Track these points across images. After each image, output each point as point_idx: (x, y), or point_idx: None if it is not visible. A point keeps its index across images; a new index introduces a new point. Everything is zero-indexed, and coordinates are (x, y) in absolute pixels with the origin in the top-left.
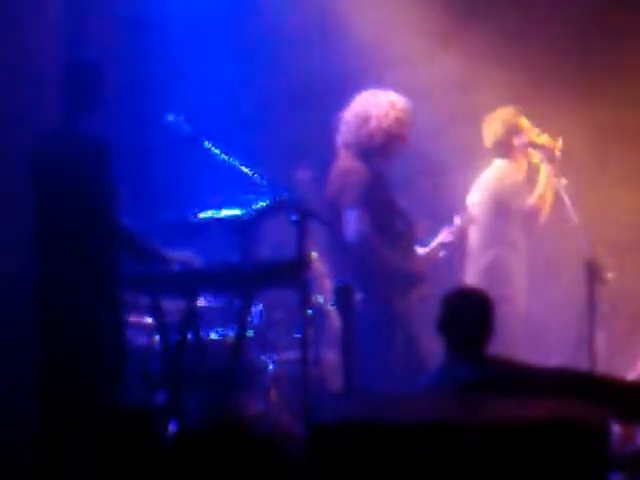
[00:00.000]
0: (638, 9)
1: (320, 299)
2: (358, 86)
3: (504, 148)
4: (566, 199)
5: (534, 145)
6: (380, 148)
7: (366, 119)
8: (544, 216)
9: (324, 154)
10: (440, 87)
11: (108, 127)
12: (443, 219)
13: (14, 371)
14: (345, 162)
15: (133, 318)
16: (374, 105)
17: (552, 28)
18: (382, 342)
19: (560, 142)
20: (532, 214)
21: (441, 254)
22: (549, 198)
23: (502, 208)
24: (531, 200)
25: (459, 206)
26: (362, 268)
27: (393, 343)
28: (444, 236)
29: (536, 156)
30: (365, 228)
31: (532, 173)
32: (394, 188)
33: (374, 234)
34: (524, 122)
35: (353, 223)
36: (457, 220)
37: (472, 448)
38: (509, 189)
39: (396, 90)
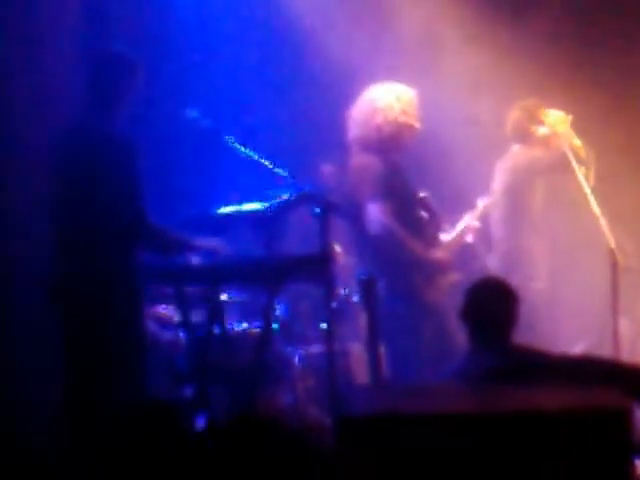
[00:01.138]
0: None
1: (345, 292)
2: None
3: (523, 135)
4: (587, 188)
5: (557, 136)
6: (390, 140)
7: (373, 113)
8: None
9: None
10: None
11: (132, 123)
12: (465, 205)
13: (38, 369)
14: (359, 157)
15: (159, 311)
16: (379, 99)
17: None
18: (411, 332)
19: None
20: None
21: (467, 239)
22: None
23: (521, 192)
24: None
25: (481, 191)
26: (388, 260)
27: (422, 333)
28: (468, 220)
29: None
30: (387, 220)
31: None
32: (412, 178)
33: (397, 225)
34: (546, 113)
35: (375, 216)
36: (480, 203)
37: (496, 437)
38: (525, 169)
39: (412, 81)
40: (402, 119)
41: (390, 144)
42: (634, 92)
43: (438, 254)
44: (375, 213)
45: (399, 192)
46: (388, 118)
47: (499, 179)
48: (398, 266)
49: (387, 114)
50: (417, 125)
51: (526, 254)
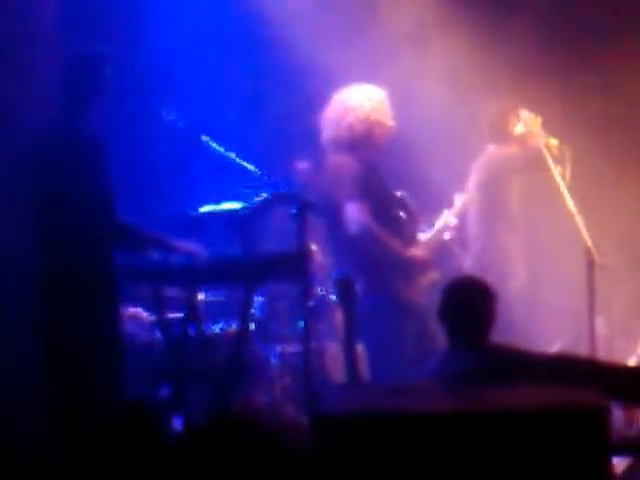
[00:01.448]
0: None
1: (321, 291)
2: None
3: (499, 133)
4: (563, 186)
5: (532, 135)
6: (363, 139)
7: (344, 113)
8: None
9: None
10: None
11: (107, 124)
12: (442, 204)
13: (14, 368)
14: (335, 157)
15: (135, 312)
16: (350, 99)
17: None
18: (392, 332)
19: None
20: (536, 157)
21: (445, 237)
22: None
23: (497, 189)
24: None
25: (458, 189)
26: (366, 259)
27: (403, 332)
28: (446, 218)
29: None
30: (366, 219)
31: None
32: (389, 177)
33: (376, 225)
34: (524, 113)
35: (353, 216)
36: (458, 201)
37: (474, 436)
38: (501, 167)
39: (386, 83)
40: (374, 117)
41: (363, 143)
42: (609, 92)
43: (417, 253)
44: (353, 213)
45: (376, 191)
46: (359, 117)
47: (474, 177)
48: (377, 265)
49: (358, 113)
50: (390, 123)
51: (502, 252)
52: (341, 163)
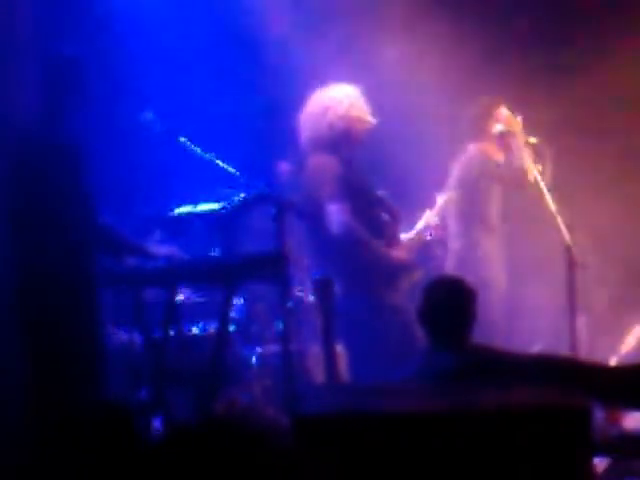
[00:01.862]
0: None
1: (300, 291)
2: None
3: (478, 131)
4: (543, 186)
5: (512, 134)
6: (343, 136)
7: (323, 112)
8: (529, 180)
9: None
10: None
11: (84, 125)
12: (424, 203)
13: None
14: (315, 157)
15: (115, 315)
16: (327, 98)
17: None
18: (372, 332)
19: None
20: (516, 178)
21: (427, 237)
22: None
23: (477, 189)
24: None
25: (439, 188)
26: (348, 260)
27: (384, 333)
28: (429, 218)
29: (515, 141)
30: (348, 220)
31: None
32: (369, 177)
33: (358, 225)
34: (504, 111)
35: (336, 216)
36: (440, 200)
37: (455, 437)
38: (479, 169)
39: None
40: (353, 113)
41: (343, 140)
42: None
43: (399, 254)
44: (335, 213)
45: (357, 191)
46: (338, 113)
47: (454, 175)
48: (358, 266)
49: (337, 110)
50: (369, 118)
51: (481, 251)
52: (322, 163)
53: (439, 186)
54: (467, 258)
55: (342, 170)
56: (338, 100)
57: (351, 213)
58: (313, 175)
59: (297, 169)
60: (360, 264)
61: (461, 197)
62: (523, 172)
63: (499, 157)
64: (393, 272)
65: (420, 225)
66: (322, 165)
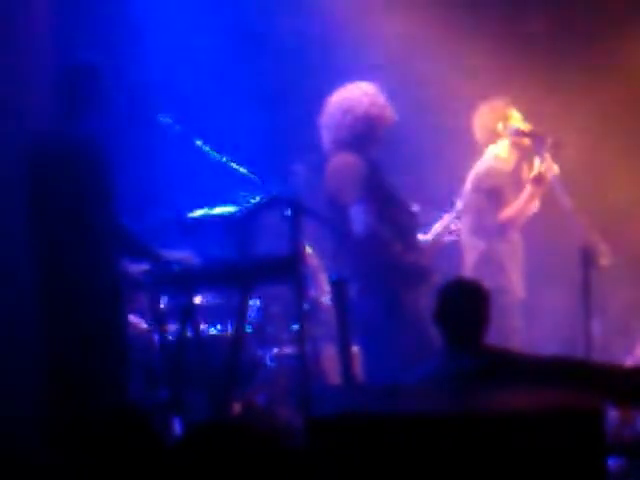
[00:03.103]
0: None
1: (316, 293)
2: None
3: (490, 134)
4: (559, 186)
5: (524, 134)
6: (365, 135)
7: (344, 112)
8: (545, 186)
9: (321, 148)
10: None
11: (102, 129)
12: (441, 205)
13: (16, 371)
14: (339, 157)
15: (133, 316)
16: (347, 98)
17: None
18: (389, 334)
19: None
20: (536, 182)
21: (446, 240)
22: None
23: (492, 196)
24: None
25: (459, 191)
26: (369, 262)
27: (400, 335)
28: (448, 221)
29: (528, 144)
30: (373, 222)
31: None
32: (390, 177)
33: (383, 228)
34: (514, 113)
35: (360, 218)
36: (459, 204)
37: (470, 438)
38: (500, 176)
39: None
40: (373, 111)
41: (366, 139)
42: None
43: (418, 259)
44: (360, 214)
45: (380, 192)
46: (358, 113)
47: (470, 180)
48: (378, 268)
49: (357, 110)
50: (389, 115)
51: (496, 259)
52: (346, 162)
53: (457, 189)
54: (481, 268)
55: (366, 170)
56: (358, 99)
57: (375, 215)
58: (337, 174)
59: (316, 170)
60: (379, 265)
61: (477, 202)
62: (539, 172)
63: (514, 157)
64: (411, 275)
65: (438, 229)
66: (346, 164)
